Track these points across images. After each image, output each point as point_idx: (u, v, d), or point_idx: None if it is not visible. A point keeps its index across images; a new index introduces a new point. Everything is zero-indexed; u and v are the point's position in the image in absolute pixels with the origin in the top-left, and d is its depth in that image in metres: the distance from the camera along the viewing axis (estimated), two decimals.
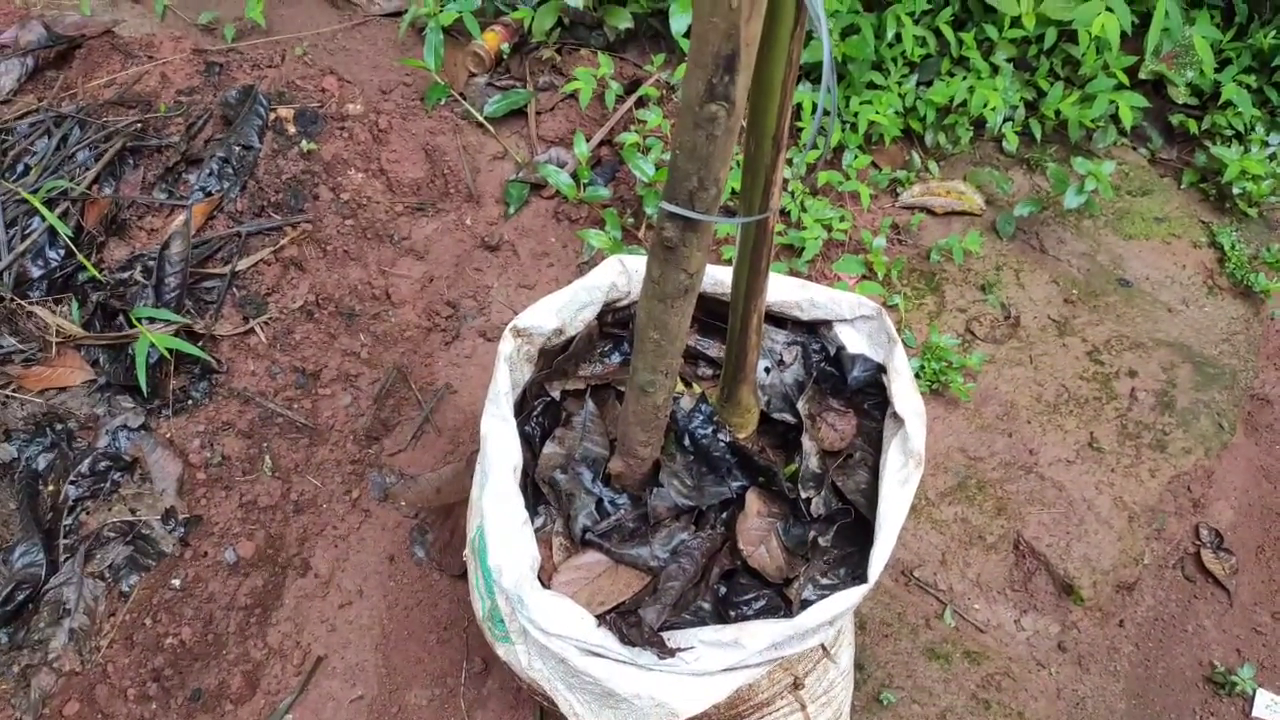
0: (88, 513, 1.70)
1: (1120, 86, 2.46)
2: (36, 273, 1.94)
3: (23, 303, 1.90)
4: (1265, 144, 2.56)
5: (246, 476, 1.82)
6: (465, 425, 1.99)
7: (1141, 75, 2.58)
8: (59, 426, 1.77)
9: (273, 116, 2.29)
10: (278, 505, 1.80)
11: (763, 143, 1.01)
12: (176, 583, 1.67)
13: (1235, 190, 2.49)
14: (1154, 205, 2.54)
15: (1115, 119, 2.59)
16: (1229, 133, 2.60)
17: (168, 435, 1.82)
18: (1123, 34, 2.35)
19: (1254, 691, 1.78)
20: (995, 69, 2.51)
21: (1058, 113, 2.51)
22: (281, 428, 1.90)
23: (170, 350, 1.81)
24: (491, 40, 2.55)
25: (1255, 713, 1.76)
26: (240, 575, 1.71)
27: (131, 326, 1.84)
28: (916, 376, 2.07)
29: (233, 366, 1.94)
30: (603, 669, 1.18)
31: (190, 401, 1.87)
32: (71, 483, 1.71)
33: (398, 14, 2.76)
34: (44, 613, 1.57)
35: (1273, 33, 2.54)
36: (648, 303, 1.12)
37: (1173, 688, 1.80)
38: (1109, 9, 2.31)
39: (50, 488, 1.70)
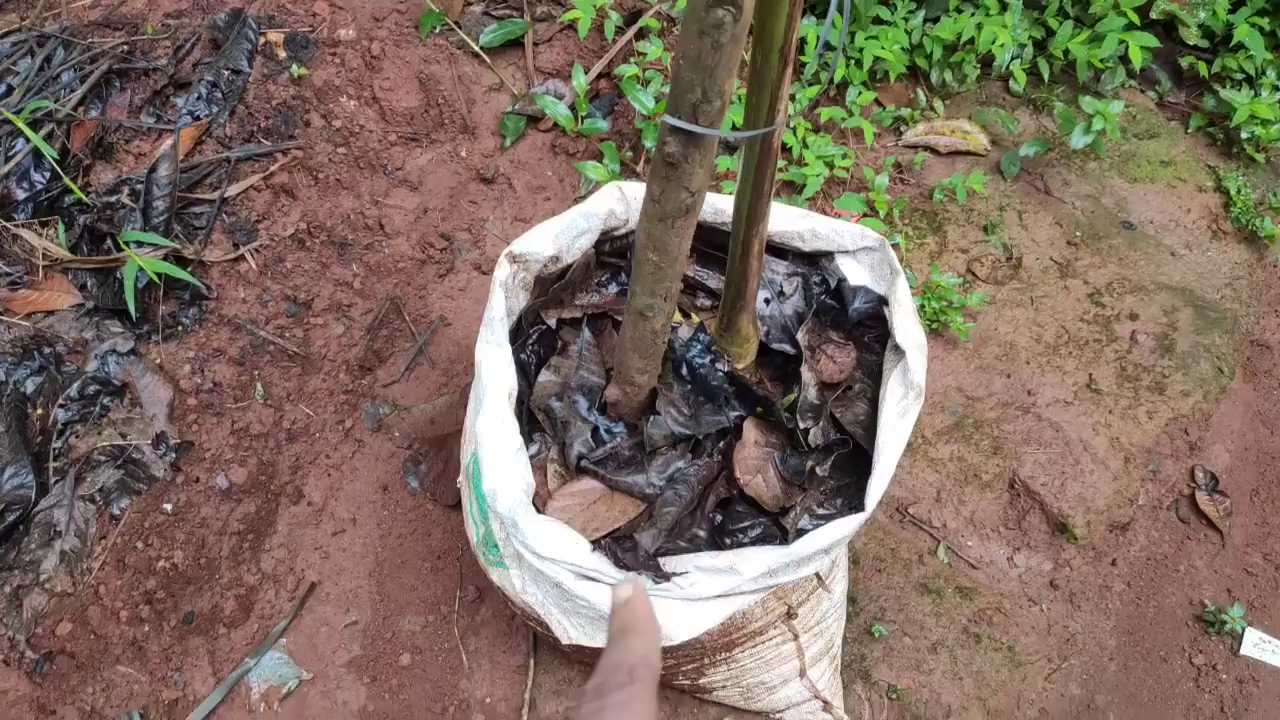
0: (77, 436, 1.68)
1: (1131, 26, 2.41)
2: (21, 195, 1.90)
3: (8, 225, 1.86)
4: (1276, 88, 2.52)
5: (238, 404, 1.80)
6: (459, 358, 1.97)
7: (1153, 15, 2.52)
8: (47, 350, 1.74)
9: (262, 41, 2.23)
10: (270, 433, 1.79)
11: (769, 55, 0.98)
12: (168, 507, 1.66)
13: (1243, 135, 2.45)
14: (1160, 148, 2.50)
15: (1124, 60, 2.53)
16: (1239, 76, 2.55)
17: (158, 360, 1.80)
18: None
19: (1243, 630, 1.79)
20: (1004, 6, 2.45)
21: (1066, 52, 2.45)
22: (273, 356, 1.87)
23: (159, 275, 1.78)
24: None
25: (1244, 650, 1.78)
26: (233, 501, 1.70)
27: (119, 250, 1.81)
28: (916, 312, 2.05)
29: (223, 293, 1.91)
30: (597, 593, 1.17)
31: (180, 327, 1.85)
32: (60, 406, 1.69)
33: None
34: (34, 534, 1.56)
35: None
36: (647, 223, 1.09)
37: (1163, 625, 1.81)
38: None
39: (39, 411, 1.68)
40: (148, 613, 1.57)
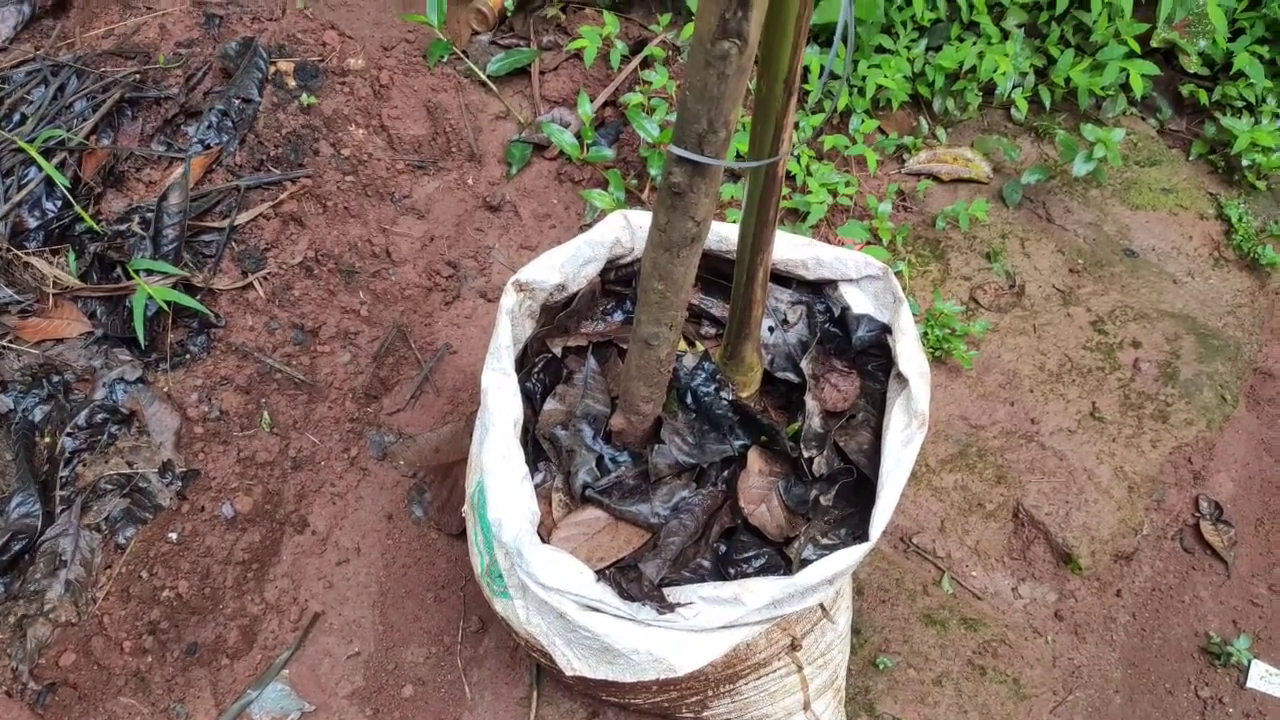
0: (84, 465, 1.69)
1: (1131, 54, 2.43)
2: (33, 223, 1.92)
3: (19, 253, 1.88)
4: (1276, 116, 2.53)
5: (245, 432, 1.81)
6: (465, 385, 1.97)
7: (1153, 43, 2.54)
8: (55, 378, 1.76)
9: (273, 70, 2.25)
10: (276, 461, 1.80)
11: (774, 86, 0.99)
12: (173, 536, 1.66)
13: (1244, 162, 2.46)
14: (1162, 176, 2.51)
15: (1125, 88, 2.55)
16: (1240, 104, 2.56)
17: (165, 389, 1.81)
18: (1135, 1, 2.32)
19: (1249, 662, 1.78)
20: (1006, 34, 2.47)
21: (1068, 80, 2.47)
22: (280, 384, 1.88)
23: (168, 303, 1.79)
24: None
25: (1250, 683, 1.77)
26: (238, 530, 1.71)
27: (129, 278, 1.83)
28: (919, 340, 2.06)
29: (231, 321, 1.92)
30: (601, 624, 1.18)
31: (188, 355, 1.86)
32: (68, 435, 1.70)
33: None
34: (40, 563, 1.57)
35: None
36: (653, 252, 1.10)
37: (1168, 658, 1.80)
38: None
39: (46, 439, 1.69)
40: (151, 643, 1.57)
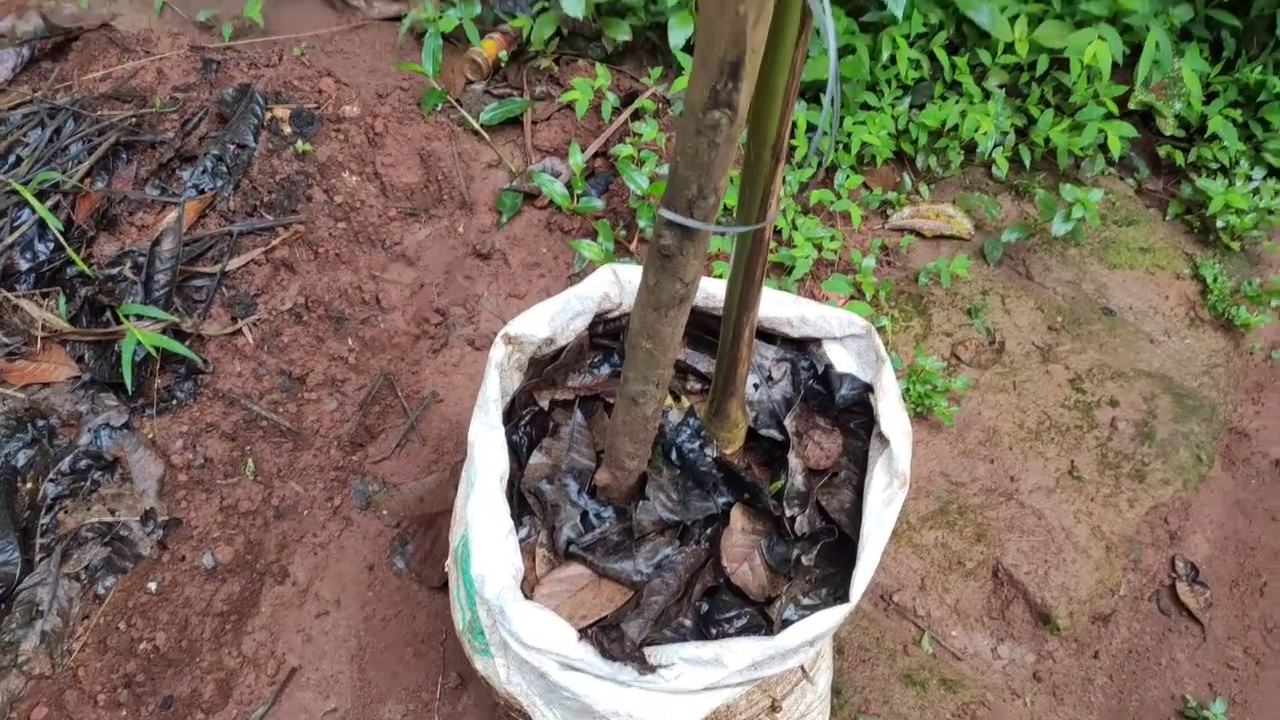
0: (66, 511, 1.68)
1: (1110, 116, 2.50)
2: (24, 265, 1.92)
3: (9, 295, 1.88)
4: (1249, 179, 2.60)
5: (228, 479, 1.81)
6: (450, 434, 1.98)
7: (1131, 105, 2.62)
8: (40, 422, 1.75)
9: (268, 116, 2.28)
10: (258, 510, 1.79)
11: (762, 152, 1.02)
12: (153, 586, 1.65)
13: (1219, 223, 2.52)
14: (1139, 235, 2.57)
15: (1104, 148, 2.62)
16: (1214, 166, 2.63)
17: (150, 435, 1.81)
18: (1113, 64, 2.38)
19: None
20: (987, 94, 2.53)
21: (1047, 140, 2.53)
22: (265, 431, 1.88)
23: (156, 348, 1.79)
24: (490, 48, 2.56)
25: None
26: (217, 581, 1.70)
27: (119, 323, 1.83)
28: (901, 398, 2.08)
29: (219, 367, 1.93)
30: (582, 684, 1.18)
31: (175, 401, 1.86)
32: (51, 480, 1.69)
33: (397, 18, 2.76)
34: (16, 613, 1.55)
35: (1259, 68, 2.58)
36: (642, 311, 1.12)
37: None
38: (1101, 38, 2.34)
39: (29, 485, 1.68)
40: (126, 696, 1.55)
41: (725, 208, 2.13)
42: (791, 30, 0.90)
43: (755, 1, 0.76)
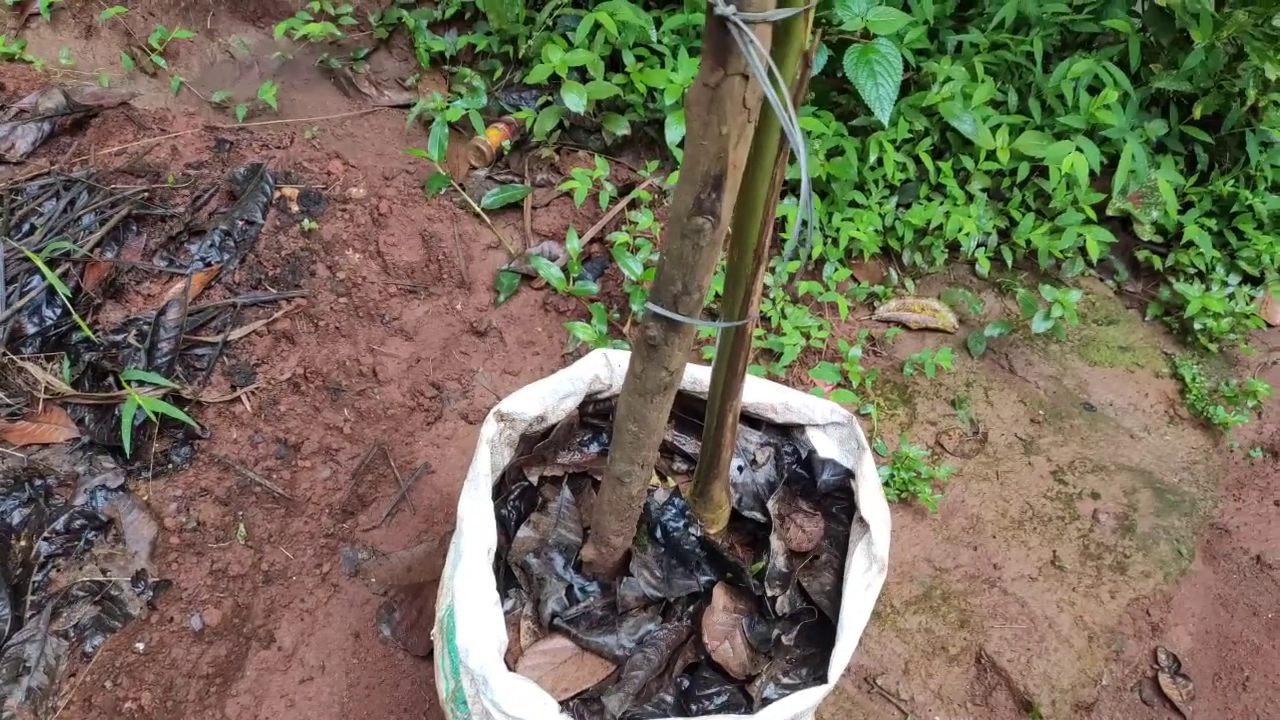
0: (58, 570, 1.70)
1: (1088, 221, 2.60)
2: (31, 329, 1.98)
3: (14, 358, 1.93)
4: (1225, 284, 2.69)
5: (219, 543, 1.83)
6: (441, 505, 2.01)
7: (1109, 212, 2.72)
8: (38, 482, 1.78)
9: (277, 195, 2.37)
10: (248, 574, 1.81)
11: (745, 255, 1.09)
12: (140, 646, 1.66)
13: (1197, 326, 2.60)
14: (1119, 334, 2.64)
15: (1083, 251, 2.71)
16: (1191, 270, 2.72)
17: (145, 497, 1.83)
18: (1091, 172, 2.50)
19: None
20: (970, 197, 2.64)
21: (1028, 241, 2.63)
22: (259, 497, 1.91)
23: (156, 414, 1.84)
24: (494, 137, 2.67)
25: None
26: (204, 643, 1.70)
27: (120, 388, 1.87)
28: (886, 485, 2.12)
29: (216, 433, 1.97)
30: None
31: (171, 465, 1.89)
32: (45, 539, 1.71)
33: (406, 106, 2.88)
34: (3, 669, 1.55)
35: (1231, 181, 2.69)
36: (629, 396, 1.17)
37: None
38: (1079, 149, 2.46)
39: (23, 543, 1.70)
40: None
41: (715, 294, 2.20)
42: (771, 148, 0.98)
43: (737, 125, 0.83)
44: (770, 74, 0.74)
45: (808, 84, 0.92)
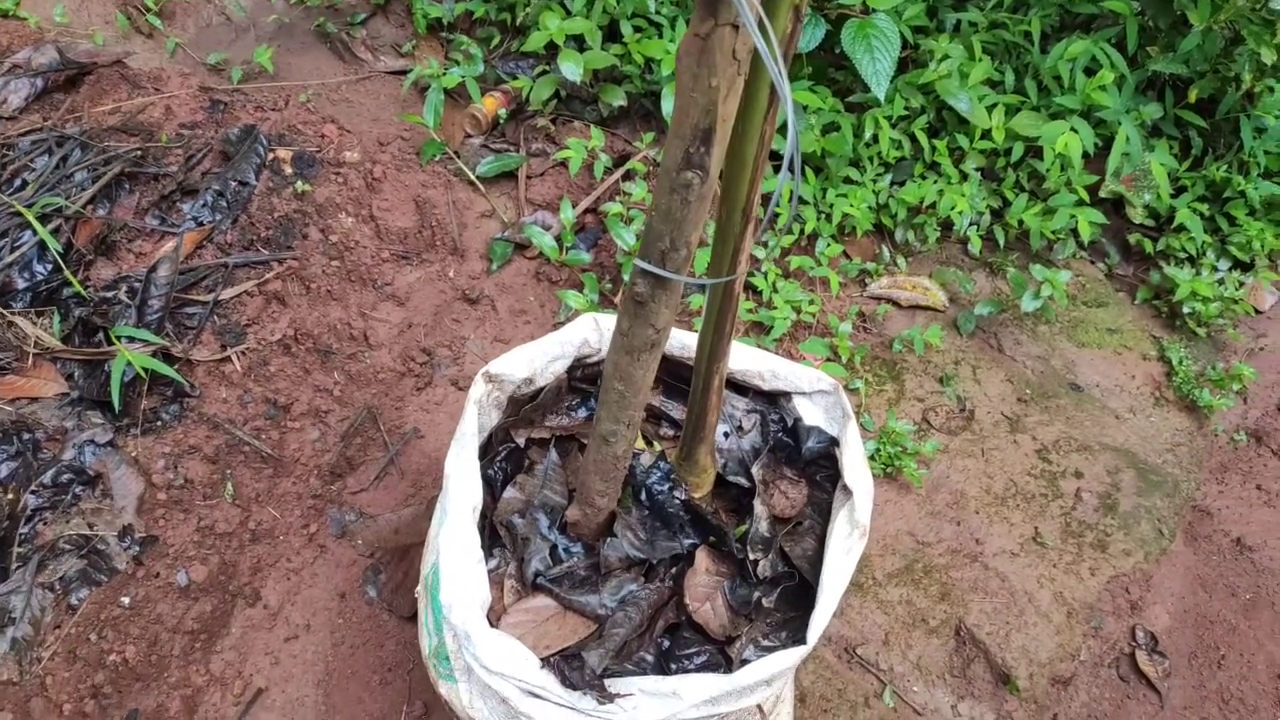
0: (45, 523, 1.70)
1: (1081, 203, 2.60)
2: (22, 284, 1.97)
3: (4, 312, 1.93)
4: (1215, 269, 2.70)
5: (207, 501, 1.83)
6: (429, 470, 2.02)
7: (1102, 194, 2.73)
8: (26, 436, 1.78)
9: (271, 156, 2.36)
10: (235, 533, 1.82)
11: (733, 213, 1.09)
12: (126, 600, 1.67)
13: (1185, 310, 2.61)
14: (1108, 316, 2.66)
15: (1075, 233, 2.72)
16: (1182, 255, 2.73)
17: (133, 454, 1.84)
18: (1086, 154, 2.50)
19: None
20: (964, 176, 2.64)
21: (1021, 222, 2.64)
22: (247, 456, 1.92)
23: (145, 370, 1.84)
24: (490, 105, 2.66)
25: None
26: (190, 599, 1.72)
27: (110, 344, 1.87)
28: (872, 459, 2.14)
29: (205, 392, 1.97)
30: (542, 711, 1.20)
31: (159, 422, 1.89)
32: (32, 492, 1.71)
33: (402, 72, 2.87)
34: None
35: (1224, 167, 2.70)
36: (615, 355, 1.18)
37: None
38: (1073, 130, 2.46)
39: (9, 496, 1.71)
40: (92, 707, 1.56)
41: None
42: (761, 104, 0.98)
43: (726, 77, 0.83)
44: (760, 24, 0.74)
45: (798, 39, 0.92)
